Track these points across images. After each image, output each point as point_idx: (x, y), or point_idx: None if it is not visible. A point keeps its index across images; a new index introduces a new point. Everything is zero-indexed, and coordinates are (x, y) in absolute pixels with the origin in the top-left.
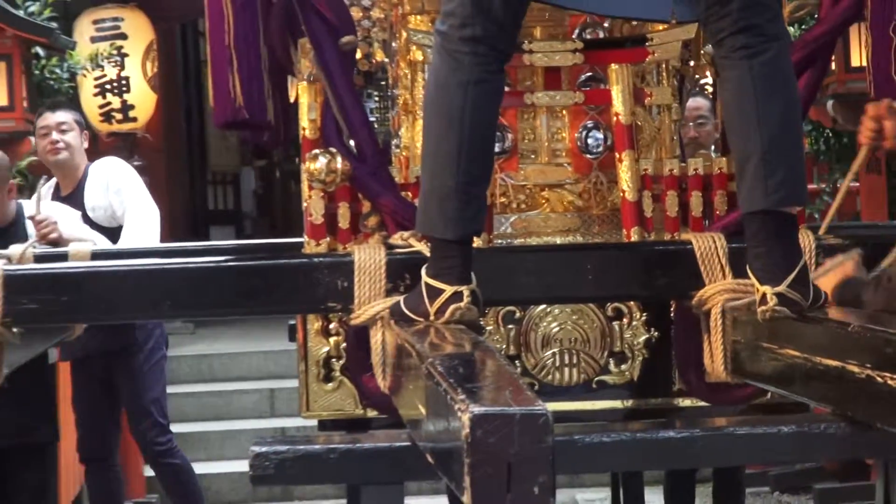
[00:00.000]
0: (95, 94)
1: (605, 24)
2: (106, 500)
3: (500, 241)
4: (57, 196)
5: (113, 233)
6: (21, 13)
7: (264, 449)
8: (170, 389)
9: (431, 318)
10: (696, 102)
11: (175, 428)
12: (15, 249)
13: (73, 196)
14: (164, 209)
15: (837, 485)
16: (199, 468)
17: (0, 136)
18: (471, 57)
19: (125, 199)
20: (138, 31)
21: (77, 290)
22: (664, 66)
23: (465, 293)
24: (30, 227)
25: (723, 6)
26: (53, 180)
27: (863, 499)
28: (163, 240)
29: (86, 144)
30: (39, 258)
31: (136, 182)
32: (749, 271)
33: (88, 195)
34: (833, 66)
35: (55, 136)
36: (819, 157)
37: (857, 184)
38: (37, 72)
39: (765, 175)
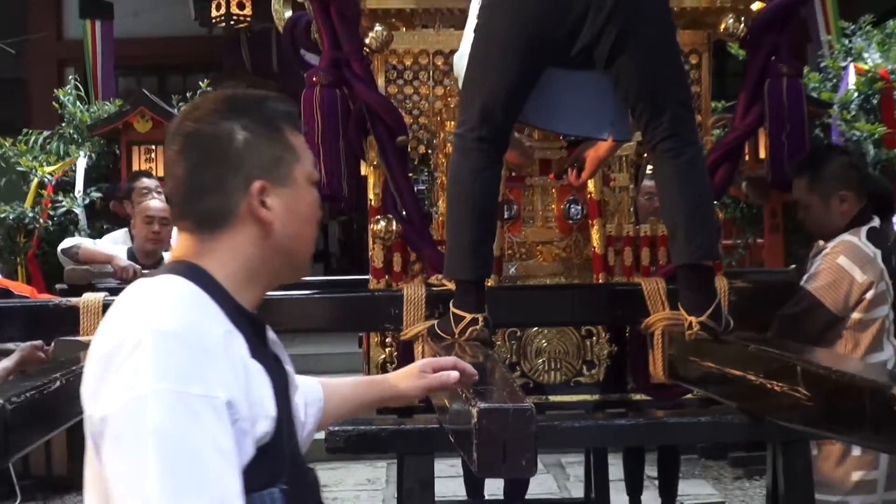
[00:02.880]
0: None
1: None
2: None
3: (506, 281)
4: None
5: None
6: (175, 112)
7: (336, 428)
8: None
9: (456, 336)
10: (648, 183)
11: None
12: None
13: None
14: None
15: (745, 454)
16: None
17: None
18: (478, 152)
19: None
20: None
21: None
22: (624, 158)
23: (480, 319)
24: None
25: (656, 120)
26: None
27: (761, 464)
28: None
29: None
30: None
31: None
32: (680, 306)
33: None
34: (746, 157)
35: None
36: (735, 223)
37: (762, 240)
38: None
39: (687, 240)
